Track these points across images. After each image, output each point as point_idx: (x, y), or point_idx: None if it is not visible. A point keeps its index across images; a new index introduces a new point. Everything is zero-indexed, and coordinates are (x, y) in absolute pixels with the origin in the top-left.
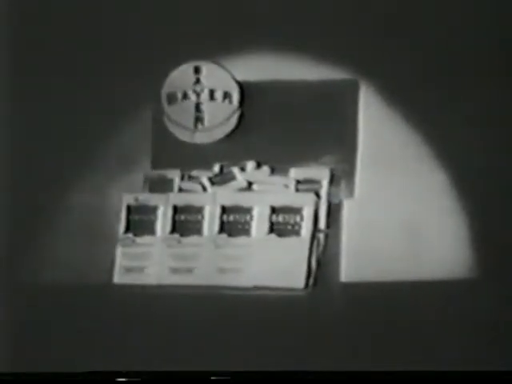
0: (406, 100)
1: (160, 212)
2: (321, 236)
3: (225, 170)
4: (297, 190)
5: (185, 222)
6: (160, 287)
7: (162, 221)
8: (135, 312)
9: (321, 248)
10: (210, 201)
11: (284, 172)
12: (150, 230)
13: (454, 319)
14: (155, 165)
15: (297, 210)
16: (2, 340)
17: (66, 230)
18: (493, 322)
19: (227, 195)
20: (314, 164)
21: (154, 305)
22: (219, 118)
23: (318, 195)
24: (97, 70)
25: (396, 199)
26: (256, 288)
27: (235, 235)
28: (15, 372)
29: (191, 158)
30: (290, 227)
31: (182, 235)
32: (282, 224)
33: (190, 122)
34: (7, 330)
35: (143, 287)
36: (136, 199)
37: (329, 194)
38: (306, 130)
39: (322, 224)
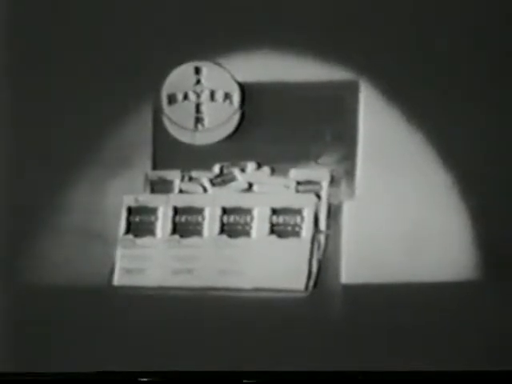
0: (406, 100)
1: (160, 213)
2: (321, 237)
3: (225, 171)
4: (297, 191)
5: (185, 224)
6: (161, 289)
7: (163, 222)
8: (136, 314)
9: (321, 249)
10: (211, 202)
11: (284, 173)
12: (150, 231)
13: (455, 320)
14: (155, 166)
15: (297, 211)
16: (2, 340)
17: (66, 231)
18: (495, 322)
19: (227, 196)
20: (314, 165)
21: (154, 306)
22: (219, 119)
23: (318, 196)
24: (96, 70)
25: (397, 200)
26: (256, 289)
27: (235, 236)
28: (15, 372)
29: (191, 158)
30: (290, 228)
31: (182, 236)
32: (282, 225)
33: (191, 123)
34: (7, 329)
35: (144, 289)
36: (136, 200)
37: (329, 195)
38: (307, 131)
39: (322, 225)
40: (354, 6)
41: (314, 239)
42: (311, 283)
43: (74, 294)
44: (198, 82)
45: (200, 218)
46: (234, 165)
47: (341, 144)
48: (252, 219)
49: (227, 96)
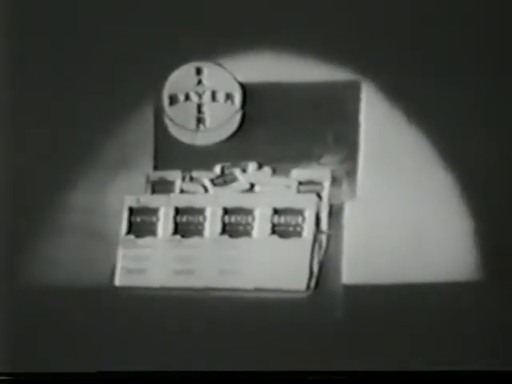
0: (408, 100)
1: (161, 213)
2: (322, 237)
3: (226, 172)
4: (298, 191)
5: (186, 224)
6: (162, 289)
7: (164, 222)
8: (137, 314)
9: (322, 250)
10: (212, 202)
11: (286, 173)
12: (151, 231)
13: (456, 320)
14: (156, 166)
15: (298, 212)
16: (2, 340)
17: (67, 231)
18: (495, 323)
19: (229, 196)
20: (315, 165)
21: (155, 307)
22: (221, 120)
23: (319, 196)
24: (97, 70)
25: (399, 200)
26: (257, 290)
27: (237, 237)
28: (15, 372)
29: (192, 159)
30: (291, 229)
31: (183, 237)
32: (283, 225)
33: (192, 124)
34: (7, 329)
35: (145, 289)
36: (137, 201)
37: (330, 196)
38: (308, 131)
39: (323, 225)
40: (354, 6)
41: (315, 239)
42: (312, 283)
43: (75, 295)
44: (200, 82)
45: (201, 219)
46: (235, 165)
47: (342, 144)
48: (253, 219)
49: (229, 96)
